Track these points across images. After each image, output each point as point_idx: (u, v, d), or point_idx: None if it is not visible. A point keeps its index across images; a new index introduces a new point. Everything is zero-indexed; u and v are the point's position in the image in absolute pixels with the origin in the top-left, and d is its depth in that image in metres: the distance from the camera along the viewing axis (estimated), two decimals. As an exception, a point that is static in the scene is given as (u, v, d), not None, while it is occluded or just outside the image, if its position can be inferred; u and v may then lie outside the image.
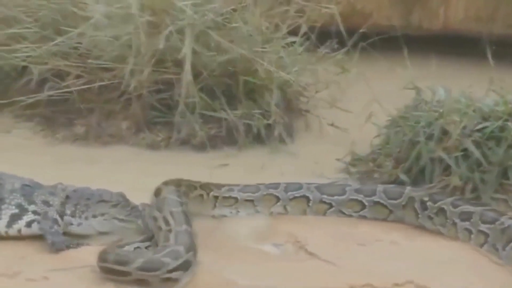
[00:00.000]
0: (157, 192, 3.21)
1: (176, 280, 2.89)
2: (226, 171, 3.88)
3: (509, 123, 3.49)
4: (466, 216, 3.27)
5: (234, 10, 4.17)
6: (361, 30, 4.40)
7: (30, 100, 4.06)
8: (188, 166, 3.90)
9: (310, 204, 3.43)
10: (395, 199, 3.40)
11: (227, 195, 3.40)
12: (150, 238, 3.10)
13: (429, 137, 3.54)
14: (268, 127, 4.12)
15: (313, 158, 3.99)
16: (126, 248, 3.02)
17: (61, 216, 3.12)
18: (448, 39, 5.12)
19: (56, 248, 3.03)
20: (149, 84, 4.05)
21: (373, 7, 5.14)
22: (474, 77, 4.48)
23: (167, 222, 3.05)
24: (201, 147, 4.06)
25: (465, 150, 3.46)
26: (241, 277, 2.97)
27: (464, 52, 5.02)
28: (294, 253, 3.17)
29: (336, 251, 3.18)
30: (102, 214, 3.15)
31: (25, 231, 3.09)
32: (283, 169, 3.87)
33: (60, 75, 4.11)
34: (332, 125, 4.23)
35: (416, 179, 3.55)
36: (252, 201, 3.42)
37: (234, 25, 4.11)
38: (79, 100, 4.09)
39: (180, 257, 2.90)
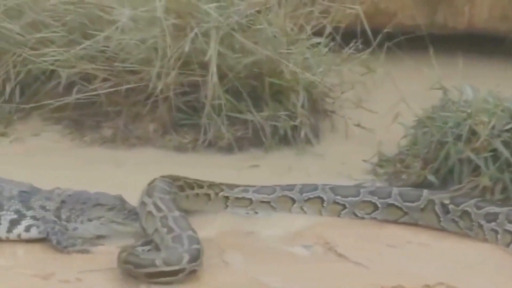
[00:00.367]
0: (150, 182, 3.26)
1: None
2: (254, 172, 3.88)
3: (538, 123, 3.48)
4: (492, 217, 3.26)
5: (258, 11, 4.18)
6: (385, 30, 4.39)
7: (58, 103, 4.09)
8: (215, 168, 3.91)
9: (325, 205, 3.44)
10: (412, 201, 3.39)
11: (240, 196, 3.43)
12: (150, 242, 3.10)
13: (457, 138, 3.53)
14: (294, 128, 4.13)
15: (339, 159, 3.99)
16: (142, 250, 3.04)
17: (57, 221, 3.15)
18: (474, 38, 5.09)
19: (62, 247, 3.07)
20: (175, 87, 4.06)
21: (397, 6, 5.12)
22: (501, 76, 4.47)
23: (158, 208, 3.08)
24: (227, 149, 4.07)
25: (494, 150, 3.45)
26: (272, 279, 2.98)
27: (490, 51, 4.99)
28: (324, 255, 3.17)
29: (366, 252, 3.18)
30: (98, 218, 3.17)
31: (24, 235, 3.14)
32: (310, 170, 3.88)
33: (88, 78, 4.13)
34: (358, 125, 4.23)
35: (444, 180, 3.54)
36: (268, 202, 3.44)
37: (258, 26, 4.12)
38: (106, 103, 4.12)
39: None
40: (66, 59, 4.02)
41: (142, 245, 3.08)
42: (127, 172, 3.88)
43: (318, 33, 4.33)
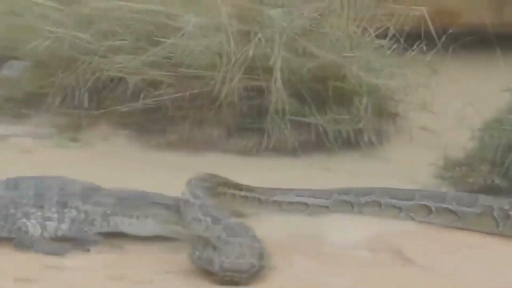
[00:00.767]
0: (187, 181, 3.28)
1: None
2: (319, 176, 3.89)
3: None
4: None
5: (321, 15, 4.18)
6: (450, 31, 4.33)
7: (125, 109, 4.18)
8: (279, 171, 3.94)
9: (382, 208, 3.43)
10: (467, 206, 3.35)
11: (294, 200, 3.45)
12: (208, 242, 3.11)
13: (526, 141, 3.47)
14: (358, 131, 4.12)
15: (404, 163, 3.96)
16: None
17: (112, 216, 3.21)
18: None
19: (73, 245, 3.14)
20: (240, 91, 4.10)
21: (463, 5, 5.05)
22: None
23: (194, 194, 3.13)
24: (291, 153, 4.09)
25: None
26: (337, 283, 2.98)
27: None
28: (389, 259, 3.16)
29: (431, 257, 3.15)
30: (154, 215, 3.21)
31: (68, 232, 3.21)
32: (375, 173, 3.86)
33: (153, 84, 4.20)
34: (423, 128, 4.19)
35: (512, 183, 3.49)
36: (326, 207, 3.45)
37: (322, 30, 4.13)
38: (171, 108, 4.18)
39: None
40: (134, 66, 4.11)
41: (205, 245, 3.11)
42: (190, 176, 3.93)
43: (381, 35, 4.31)
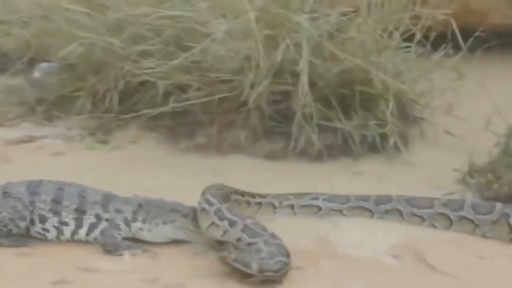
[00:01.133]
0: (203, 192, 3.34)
1: None
2: (345, 180, 3.91)
3: None
4: None
5: (348, 19, 4.20)
6: (477, 33, 4.32)
7: (155, 112, 4.25)
8: (306, 175, 3.97)
9: (404, 216, 3.46)
10: (484, 214, 3.37)
11: (307, 203, 3.50)
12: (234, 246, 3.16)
13: (552, 148, 3.47)
14: (383, 136, 4.14)
15: (429, 168, 3.97)
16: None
17: (133, 222, 3.29)
18: None
19: (106, 249, 3.23)
20: (267, 95, 4.14)
21: (489, 5, 5.01)
22: None
23: (208, 202, 3.21)
24: (317, 157, 4.12)
25: None
26: (361, 287, 3.02)
27: None
28: (414, 265, 3.19)
29: (456, 264, 3.17)
30: (173, 222, 3.29)
31: (99, 237, 3.31)
32: (400, 178, 3.88)
33: (182, 87, 4.25)
34: (448, 133, 4.19)
35: (537, 191, 3.49)
36: (340, 211, 3.49)
37: (348, 35, 4.15)
38: (200, 111, 4.23)
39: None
40: (163, 71, 4.17)
41: (235, 248, 3.16)
42: (219, 179, 3.98)
43: (408, 38, 4.31)
